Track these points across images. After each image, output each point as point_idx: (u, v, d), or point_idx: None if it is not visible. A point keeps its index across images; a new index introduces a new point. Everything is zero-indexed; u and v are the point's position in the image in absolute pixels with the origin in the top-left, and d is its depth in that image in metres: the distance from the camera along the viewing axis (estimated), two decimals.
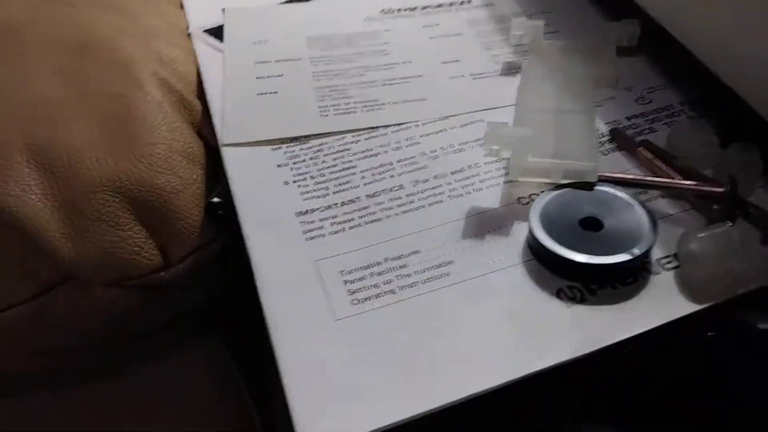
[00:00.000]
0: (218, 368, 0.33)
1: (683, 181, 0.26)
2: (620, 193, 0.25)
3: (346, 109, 0.32)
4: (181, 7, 0.40)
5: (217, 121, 0.32)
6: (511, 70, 0.34)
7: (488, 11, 0.39)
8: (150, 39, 0.35)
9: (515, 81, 0.33)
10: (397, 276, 0.24)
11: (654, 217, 0.24)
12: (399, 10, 0.40)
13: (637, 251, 0.23)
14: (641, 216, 0.24)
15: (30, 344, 0.30)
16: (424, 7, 0.40)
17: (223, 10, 0.40)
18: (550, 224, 0.24)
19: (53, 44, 0.33)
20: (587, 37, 0.35)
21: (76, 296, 0.30)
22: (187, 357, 0.32)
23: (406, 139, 0.30)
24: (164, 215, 0.30)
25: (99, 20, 0.35)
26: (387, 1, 0.40)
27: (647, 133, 0.29)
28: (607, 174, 0.26)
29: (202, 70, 0.35)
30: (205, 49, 0.37)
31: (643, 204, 0.25)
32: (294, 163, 0.29)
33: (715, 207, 0.24)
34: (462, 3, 0.40)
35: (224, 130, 0.31)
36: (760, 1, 0.24)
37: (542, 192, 0.26)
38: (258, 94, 0.33)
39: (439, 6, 0.40)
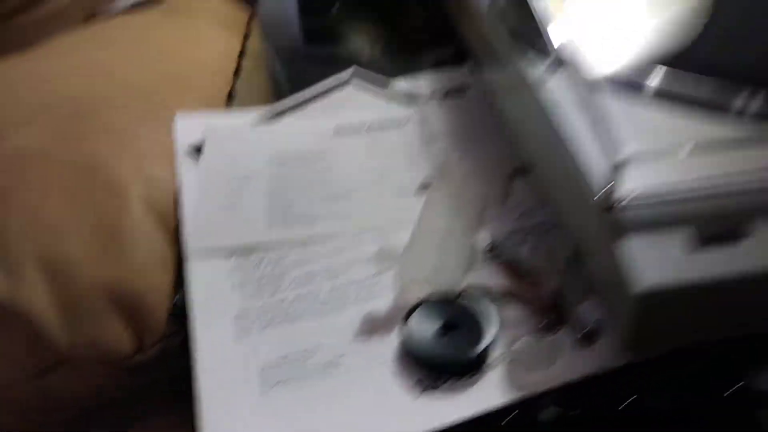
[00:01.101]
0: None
1: (526, 293, 0.33)
2: (477, 302, 0.32)
3: (289, 222, 0.40)
4: None
5: (185, 232, 0.40)
6: (425, 188, 0.41)
7: (420, 130, 0.47)
8: (142, 160, 0.44)
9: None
10: (303, 366, 0.32)
11: (497, 322, 0.31)
12: (348, 129, 0.48)
13: (479, 350, 0.30)
14: (489, 321, 0.31)
15: (29, 411, 0.38)
16: (370, 126, 0.48)
17: (206, 129, 0.49)
18: (417, 327, 0.31)
19: (62, 170, 0.42)
20: (488, 158, 0.43)
21: (71, 373, 0.39)
22: (156, 423, 0.40)
23: (332, 250, 0.38)
24: (140, 311, 0.38)
25: (101, 147, 0.44)
26: (339, 121, 0.49)
27: (520, 247, 0.36)
28: (473, 284, 0.33)
29: (182, 187, 0.43)
30: (186, 166, 0.45)
31: (492, 310, 0.32)
32: (241, 270, 0.37)
33: (547, 317, 0.31)
34: (400, 123, 0.48)
35: (189, 240, 0.39)
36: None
37: (419, 300, 0.33)
38: (222, 209, 0.42)
39: (382, 126, 0.48)
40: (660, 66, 0.30)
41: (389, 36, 0.68)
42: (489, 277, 0.35)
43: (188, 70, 0.57)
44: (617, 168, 0.25)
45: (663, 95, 0.30)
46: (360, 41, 0.69)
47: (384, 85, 0.53)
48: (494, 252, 0.36)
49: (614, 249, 0.25)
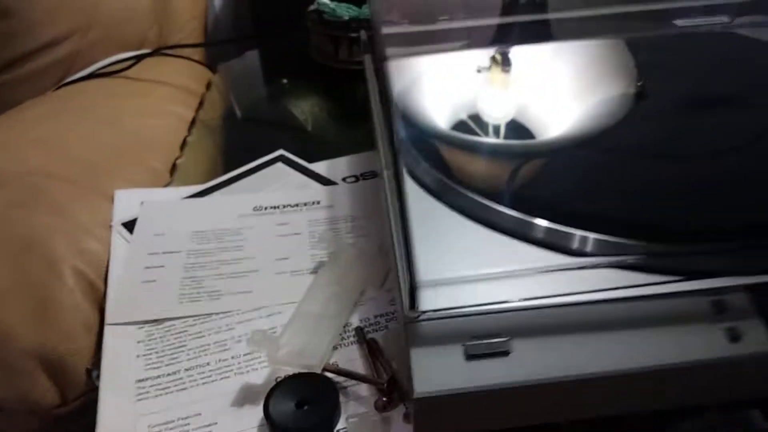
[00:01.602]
0: None
1: (373, 373, 0.39)
2: (332, 381, 0.39)
3: (197, 297, 0.47)
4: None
5: (107, 303, 0.47)
6: (317, 270, 0.48)
7: (327, 212, 0.54)
8: (78, 234, 0.51)
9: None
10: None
11: (344, 398, 0.38)
12: (266, 208, 0.55)
13: (323, 425, 0.37)
14: (339, 397, 0.38)
15: None
16: (285, 206, 0.55)
17: (142, 203, 0.56)
18: (279, 400, 0.38)
19: (4, 243, 0.49)
20: (378, 242, 0.49)
21: (7, 420, 0.45)
22: None
23: (226, 325, 0.45)
24: (64, 370, 0.45)
25: (42, 221, 0.51)
26: (259, 200, 0.56)
27: (382, 330, 0.43)
28: (334, 363, 0.40)
29: (111, 260, 0.50)
30: (118, 240, 0.52)
31: (342, 389, 0.38)
32: (149, 340, 0.44)
33: (385, 395, 0.38)
34: (313, 204, 0.55)
35: (108, 310, 0.46)
36: None
37: (285, 376, 0.40)
38: (142, 282, 0.48)
39: (296, 205, 0.55)
40: (478, 195, 0.37)
41: (330, 111, 0.76)
42: (350, 356, 0.41)
43: (137, 144, 0.64)
44: (415, 287, 0.32)
45: (479, 220, 0.37)
46: (304, 112, 0.77)
47: (304, 168, 0.60)
48: (359, 334, 0.43)
49: (408, 355, 0.32)
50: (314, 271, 0.48)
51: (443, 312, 0.32)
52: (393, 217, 0.38)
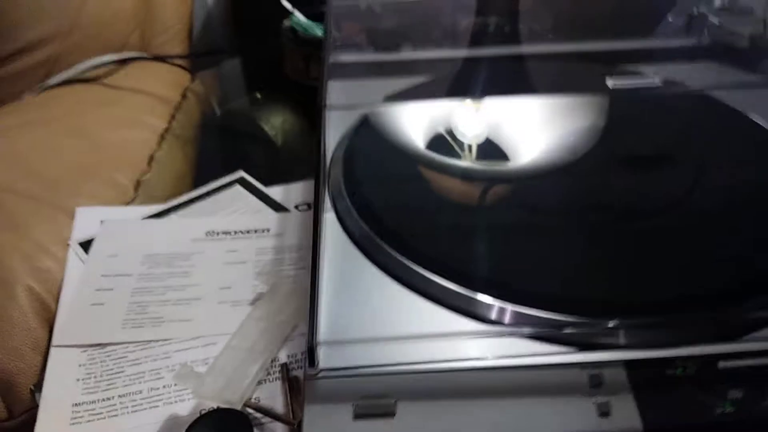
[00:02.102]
0: None
1: (286, 411, 0.42)
2: (248, 418, 0.42)
3: (140, 323, 0.50)
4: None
5: (56, 324, 0.50)
6: (256, 301, 0.51)
7: (275, 241, 0.57)
8: (34, 253, 0.54)
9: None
10: None
11: None
12: (218, 233, 0.57)
13: None
14: None
15: None
16: (236, 232, 0.58)
17: (101, 222, 0.58)
18: None
19: None
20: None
21: None
22: None
23: (164, 353, 0.47)
24: (12, 387, 0.48)
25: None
26: (212, 224, 0.58)
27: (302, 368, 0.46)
28: (253, 401, 0.43)
29: (65, 280, 0.53)
30: (73, 260, 0.55)
31: (259, 425, 0.41)
32: (90, 364, 0.47)
33: None
34: (263, 231, 0.58)
35: (55, 332, 0.49)
36: None
37: (209, 409, 0.42)
38: (91, 304, 0.51)
39: (247, 232, 0.58)
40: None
41: (301, 128, 0.78)
42: (273, 392, 0.44)
43: (105, 158, 0.67)
44: (314, 346, 0.35)
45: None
46: (274, 128, 0.79)
47: (261, 192, 0.63)
48: (283, 370, 0.45)
49: (305, 410, 0.34)
50: (253, 303, 0.51)
51: (339, 371, 0.35)
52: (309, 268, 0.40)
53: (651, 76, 0.54)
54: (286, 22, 0.79)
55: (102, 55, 0.86)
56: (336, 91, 0.62)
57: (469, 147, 0.50)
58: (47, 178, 0.61)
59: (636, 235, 0.42)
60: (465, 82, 0.59)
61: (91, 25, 0.86)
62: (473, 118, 0.53)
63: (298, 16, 0.79)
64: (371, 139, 0.52)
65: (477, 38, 0.72)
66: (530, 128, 0.52)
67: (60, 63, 0.85)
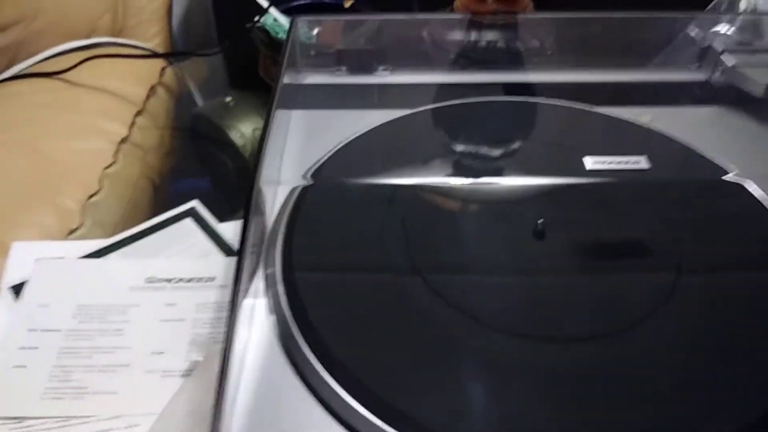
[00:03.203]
0: None
1: None
2: None
3: (61, 394, 0.46)
4: None
5: None
6: (188, 373, 0.47)
7: (219, 294, 0.52)
8: None
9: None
10: None
11: None
12: (159, 280, 0.53)
13: None
14: None
15: None
16: (179, 279, 0.53)
17: (36, 260, 0.54)
18: None
19: None
20: None
21: None
22: None
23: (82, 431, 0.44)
24: None
25: None
26: (153, 268, 0.54)
27: None
28: None
29: None
30: (2, 309, 0.51)
31: None
32: None
33: None
34: (207, 280, 0.53)
35: None
36: None
37: None
38: (13, 367, 0.48)
39: (190, 280, 0.53)
40: None
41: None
42: None
43: (52, 175, 0.62)
44: None
45: None
46: (243, 136, 0.74)
47: (212, 230, 0.58)
48: None
49: None
50: (186, 374, 0.47)
51: None
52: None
53: (637, 157, 0.48)
54: (259, 22, 0.72)
55: (69, 41, 0.80)
56: (297, 124, 0.57)
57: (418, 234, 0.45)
58: None
59: (599, 366, 0.37)
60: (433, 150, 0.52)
61: (56, 10, 0.80)
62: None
63: (273, 13, 0.72)
64: (328, 213, 0.46)
65: (464, 59, 0.65)
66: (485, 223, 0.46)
67: (23, 51, 0.79)
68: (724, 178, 0.47)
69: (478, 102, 0.57)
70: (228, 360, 0.36)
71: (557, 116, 0.56)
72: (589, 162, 0.47)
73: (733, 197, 0.46)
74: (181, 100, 0.82)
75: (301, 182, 0.48)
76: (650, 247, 0.43)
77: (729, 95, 0.57)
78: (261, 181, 0.46)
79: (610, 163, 0.47)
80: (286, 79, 0.58)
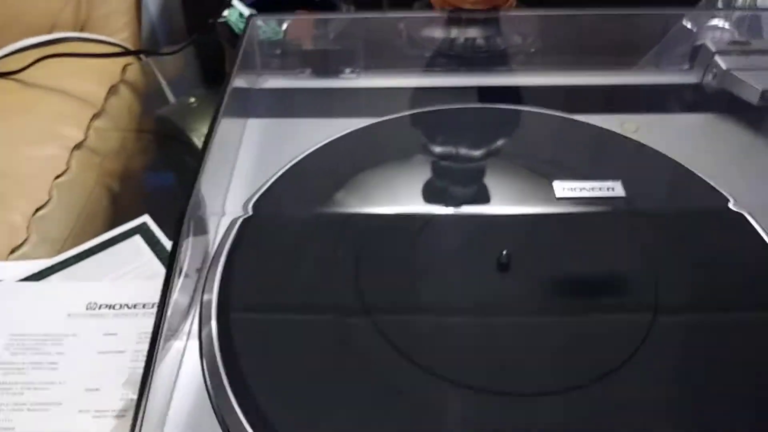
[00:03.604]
0: None
1: None
2: None
3: None
4: None
5: None
6: (123, 414, 0.43)
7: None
8: None
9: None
10: None
11: None
12: (100, 306, 0.50)
13: None
14: None
15: None
16: (121, 306, 0.50)
17: None
18: None
19: None
20: None
21: None
22: None
23: None
24: None
25: None
26: (95, 293, 0.50)
27: None
28: None
29: None
30: None
31: None
32: None
33: None
34: (151, 307, 0.49)
35: None
36: None
37: None
38: None
39: (133, 307, 0.49)
40: None
41: None
42: None
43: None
44: None
45: None
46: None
47: (162, 249, 0.54)
48: None
49: None
50: (120, 416, 0.43)
51: None
52: None
53: (612, 183, 0.43)
54: (222, 16, 0.68)
55: (27, 38, 0.76)
56: (251, 135, 0.52)
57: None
58: None
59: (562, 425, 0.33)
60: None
61: (13, 2, 0.75)
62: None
63: (238, 7, 0.67)
64: (271, 247, 0.42)
65: (441, 58, 0.60)
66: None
67: None
68: (712, 204, 0.43)
69: (444, 110, 0.52)
70: (143, 408, 0.32)
71: (532, 127, 0.51)
72: (559, 188, 0.43)
73: (726, 228, 0.41)
74: (149, 98, 0.78)
75: (242, 213, 0.44)
76: (624, 284, 0.38)
77: (722, 101, 0.52)
78: (205, 207, 0.42)
79: (582, 189, 0.43)
80: (242, 83, 0.54)
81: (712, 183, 0.45)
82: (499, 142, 0.49)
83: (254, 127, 0.52)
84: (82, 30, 0.81)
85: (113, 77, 0.75)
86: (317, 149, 0.47)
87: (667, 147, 0.49)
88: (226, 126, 0.48)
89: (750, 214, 0.42)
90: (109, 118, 0.70)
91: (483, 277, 0.39)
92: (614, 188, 0.43)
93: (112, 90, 0.73)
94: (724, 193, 0.44)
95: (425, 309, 0.38)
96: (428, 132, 0.50)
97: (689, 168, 0.46)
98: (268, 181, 0.45)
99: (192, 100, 0.71)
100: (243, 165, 0.49)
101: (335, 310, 0.38)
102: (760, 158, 0.48)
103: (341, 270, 0.39)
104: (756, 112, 0.50)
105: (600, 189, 0.43)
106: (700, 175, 0.46)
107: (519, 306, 0.38)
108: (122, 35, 0.83)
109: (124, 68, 0.76)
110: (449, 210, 0.43)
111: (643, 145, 0.49)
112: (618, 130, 0.50)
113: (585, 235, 0.41)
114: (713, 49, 0.53)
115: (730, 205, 0.43)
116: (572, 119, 0.51)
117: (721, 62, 0.52)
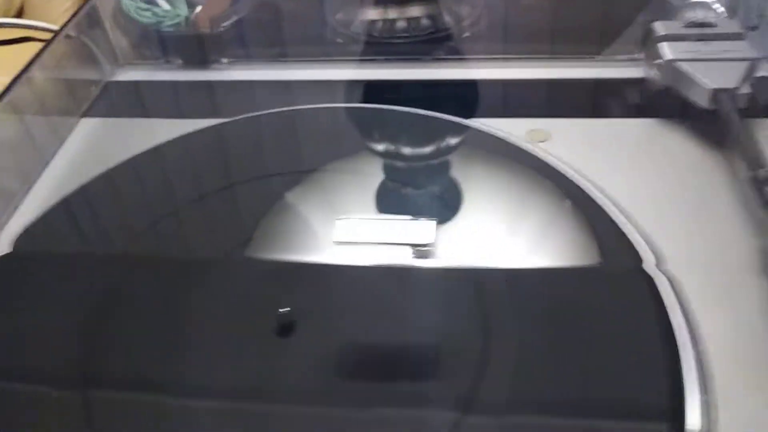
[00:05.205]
0: None
1: None
2: None
3: None
4: None
5: None
6: None
7: None
8: None
9: None
10: None
11: None
12: None
13: None
14: None
15: None
16: None
17: None
18: None
19: None
20: None
21: None
22: None
23: None
24: None
25: None
26: None
27: None
28: None
29: None
30: None
31: None
32: None
33: None
34: None
35: None
36: None
37: None
38: None
39: None
40: None
41: None
42: None
43: None
44: None
45: None
46: None
47: None
48: None
49: None
50: None
51: None
52: None
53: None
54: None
55: None
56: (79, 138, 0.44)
57: None
58: None
59: None
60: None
61: None
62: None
63: None
64: (23, 294, 0.33)
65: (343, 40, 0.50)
66: None
67: None
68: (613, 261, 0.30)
69: (292, 111, 0.42)
70: None
71: (392, 133, 0.40)
72: (341, 230, 0.32)
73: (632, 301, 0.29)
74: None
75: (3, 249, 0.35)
76: (432, 367, 0.27)
77: (671, 104, 0.39)
78: None
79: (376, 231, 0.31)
80: (92, 75, 0.45)
81: (625, 229, 0.32)
82: (327, 158, 0.38)
83: (85, 129, 0.44)
84: (18, 17, 0.74)
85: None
86: (115, 167, 0.38)
87: (582, 163, 0.36)
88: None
89: (670, 280, 0.30)
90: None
91: (257, 342, 0.29)
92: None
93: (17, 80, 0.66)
94: (639, 245, 0.31)
95: (175, 388, 0.28)
96: (246, 141, 0.40)
97: (592, 196, 0.34)
98: (47, 208, 0.37)
99: (93, 88, 0.63)
100: (48, 180, 0.41)
101: (50, 381, 0.29)
102: (702, 190, 0.34)
103: (73, 329, 0.30)
104: (705, 120, 0.37)
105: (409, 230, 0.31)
106: (609, 211, 0.33)
107: (297, 386, 0.28)
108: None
109: (38, 54, 0.69)
110: (230, 251, 0.33)
111: (544, 161, 0.36)
112: (515, 140, 0.38)
113: (387, 291, 0.30)
114: (661, 32, 0.40)
115: (645, 266, 0.31)
116: (470, 126, 0.40)
117: (667, 50, 0.38)
